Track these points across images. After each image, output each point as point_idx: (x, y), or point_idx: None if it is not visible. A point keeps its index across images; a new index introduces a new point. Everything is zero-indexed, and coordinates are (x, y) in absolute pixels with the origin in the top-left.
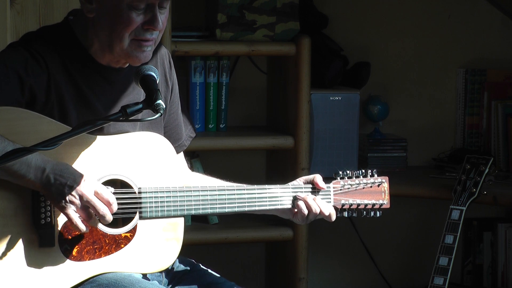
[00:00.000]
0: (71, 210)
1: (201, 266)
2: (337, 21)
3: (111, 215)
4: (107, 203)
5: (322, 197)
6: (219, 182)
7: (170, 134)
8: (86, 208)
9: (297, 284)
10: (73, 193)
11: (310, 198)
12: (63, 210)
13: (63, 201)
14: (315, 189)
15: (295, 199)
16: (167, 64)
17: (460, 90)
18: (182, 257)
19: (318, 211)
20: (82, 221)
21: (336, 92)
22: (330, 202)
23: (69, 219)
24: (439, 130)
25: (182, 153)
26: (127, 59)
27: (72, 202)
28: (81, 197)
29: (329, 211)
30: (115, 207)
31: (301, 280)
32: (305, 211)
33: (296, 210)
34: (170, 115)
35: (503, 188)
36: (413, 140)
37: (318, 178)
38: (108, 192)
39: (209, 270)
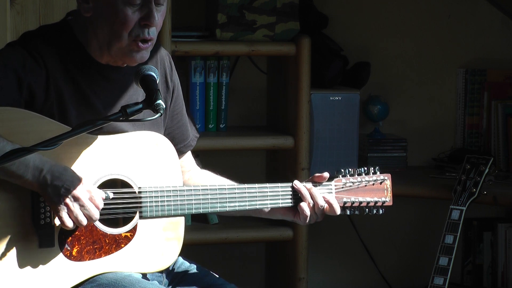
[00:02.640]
0: (64, 213)
1: (202, 267)
2: (337, 21)
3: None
4: (98, 208)
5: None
6: (228, 181)
7: (175, 135)
8: (80, 211)
9: (297, 284)
10: (69, 195)
11: (314, 188)
12: (57, 211)
13: (59, 202)
14: (316, 185)
15: (297, 191)
16: (168, 65)
17: (460, 90)
18: (182, 258)
19: (321, 200)
20: (72, 222)
21: (336, 92)
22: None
23: (61, 222)
24: (439, 130)
25: (189, 152)
26: (123, 58)
27: (66, 205)
28: (76, 200)
29: (331, 200)
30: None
31: (301, 280)
32: (310, 200)
33: (299, 208)
34: (174, 115)
35: (503, 188)
36: (413, 140)
37: (316, 175)
38: (100, 199)
39: (210, 272)
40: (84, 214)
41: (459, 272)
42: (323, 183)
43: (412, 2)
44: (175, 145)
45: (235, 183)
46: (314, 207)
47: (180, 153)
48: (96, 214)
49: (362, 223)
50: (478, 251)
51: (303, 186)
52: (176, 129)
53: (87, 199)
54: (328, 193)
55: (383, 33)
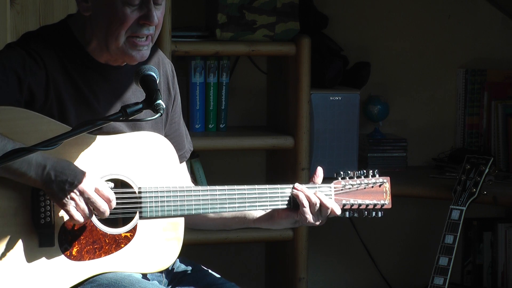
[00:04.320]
0: (72, 207)
1: (202, 267)
2: (337, 21)
3: (109, 212)
4: (107, 200)
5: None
6: None
7: (171, 143)
8: (87, 205)
9: (297, 284)
10: (74, 189)
11: (308, 190)
12: (64, 206)
13: (64, 197)
14: (316, 186)
15: (292, 192)
16: (170, 73)
17: (460, 90)
18: (182, 258)
19: (317, 202)
20: (81, 216)
21: (336, 92)
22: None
23: (70, 216)
24: (439, 130)
25: (184, 163)
26: (123, 57)
27: (72, 199)
28: (82, 194)
29: (331, 204)
30: (114, 204)
31: (301, 280)
32: (306, 202)
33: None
34: (171, 124)
35: (503, 188)
36: (413, 140)
37: (312, 178)
38: (108, 189)
39: (209, 271)
40: (90, 208)
41: (459, 272)
42: (322, 185)
43: (412, 2)
44: None
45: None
46: (310, 206)
47: None
48: (103, 205)
49: (362, 223)
50: (478, 251)
51: (300, 192)
52: (172, 138)
53: (93, 192)
54: (328, 197)
55: (383, 33)
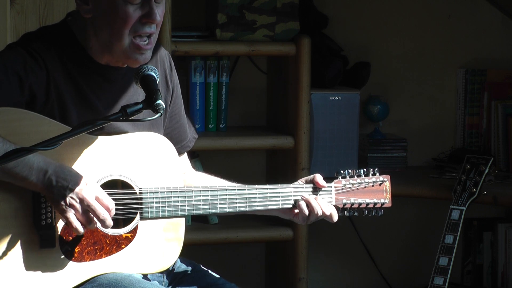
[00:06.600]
0: (71, 214)
1: (202, 267)
2: (337, 21)
3: (111, 220)
4: (106, 208)
5: (323, 196)
6: (223, 182)
7: (173, 135)
8: (86, 212)
9: (297, 284)
10: (74, 196)
11: (312, 198)
12: (63, 213)
13: (64, 204)
14: (316, 189)
15: (297, 200)
16: (168, 66)
17: (460, 90)
18: (182, 258)
19: (320, 213)
20: (80, 224)
21: (336, 92)
22: (331, 201)
23: (69, 223)
24: (439, 130)
25: (186, 153)
26: (126, 60)
27: (72, 206)
28: (81, 201)
29: (329, 210)
30: (113, 212)
31: (301, 280)
32: (306, 212)
33: (297, 210)
34: (172, 116)
35: (503, 188)
36: (413, 140)
37: (318, 177)
38: (108, 198)
39: (210, 271)
40: (89, 216)
41: (459, 272)
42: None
43: (412, 2)
44: None
45: (234, 183)
46: (312, 213)
47: (178, 154)
48: (103, 213)
49: (362, 223)
50: (478, 251)
51: (314, 200)
52: (174, 130)
53: (93, 199)
54: (328, 201)
55: (383, 33)
